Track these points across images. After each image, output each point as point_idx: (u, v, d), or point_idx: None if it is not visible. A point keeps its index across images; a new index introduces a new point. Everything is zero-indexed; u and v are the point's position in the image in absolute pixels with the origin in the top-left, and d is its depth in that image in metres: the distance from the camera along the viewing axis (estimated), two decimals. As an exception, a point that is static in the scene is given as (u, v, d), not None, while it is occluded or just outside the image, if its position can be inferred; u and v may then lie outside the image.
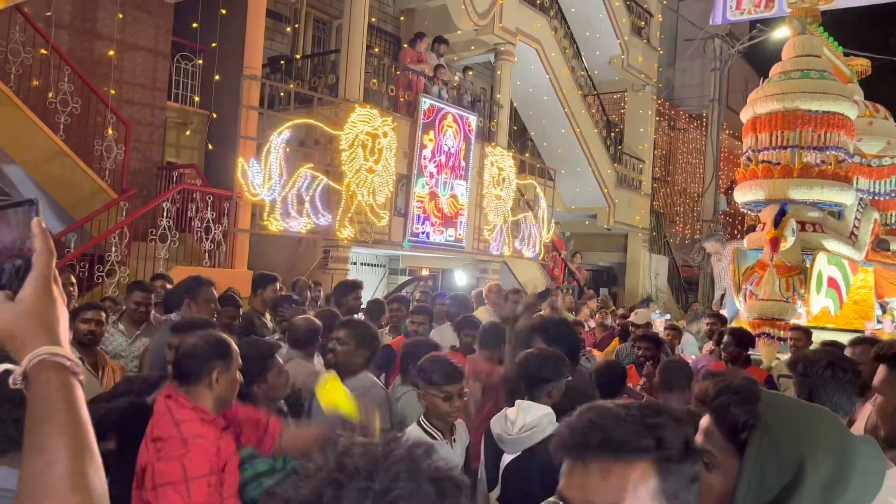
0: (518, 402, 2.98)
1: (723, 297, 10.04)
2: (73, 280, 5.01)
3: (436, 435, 2.95)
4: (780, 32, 15.21)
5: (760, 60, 20.58)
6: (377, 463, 0.77)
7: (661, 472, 1.03)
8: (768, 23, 16.18)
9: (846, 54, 9.62)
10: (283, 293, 5.89)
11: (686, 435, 1.07)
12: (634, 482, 1.02)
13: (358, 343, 3.47)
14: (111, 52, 9.13)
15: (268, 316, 5.59)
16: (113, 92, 8.98)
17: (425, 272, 13.00)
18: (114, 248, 7.63)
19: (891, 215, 9.73)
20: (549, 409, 3.01)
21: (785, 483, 1.26)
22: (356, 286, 6.12)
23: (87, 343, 4.05)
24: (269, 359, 3.04)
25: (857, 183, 8.62)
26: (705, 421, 1.38)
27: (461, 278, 11.76)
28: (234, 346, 2.55)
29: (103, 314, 4.20)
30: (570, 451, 1.06)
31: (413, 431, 2.97)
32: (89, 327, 4.05)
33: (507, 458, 2.91)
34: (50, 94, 8.28)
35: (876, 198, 9.14)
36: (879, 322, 8.50)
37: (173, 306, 4.29)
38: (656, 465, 1.03)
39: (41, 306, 0.94)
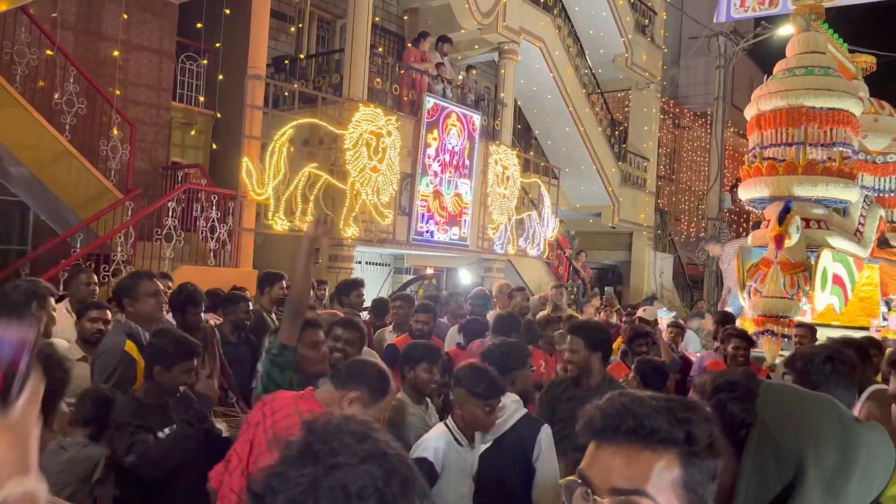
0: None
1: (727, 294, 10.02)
2: (95, 279, 5.04)
3: (462, 440, 2.90)
4: (785, 30, 15.16)
5: (765, 58, 20.51)
6: (315, 436, 0.83)
7: (685, 465, 1.05)
8: (772, 20, 16.13)
9: (851, 51, 9.59)
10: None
11: (712, 433, 1.08)
12: (659, 470, 1.03)
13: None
14: (116, 53, 9.17)
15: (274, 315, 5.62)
16: (118, 92, 9.02)
17: (430, 271, 13.02)
18: (119, 248, 7.67)
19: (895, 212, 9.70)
20: (516, 397, 3.14)
21: (787, 481, 1.24)
22: (357, 284, 6.19)
23: (93, 342, 4.08)
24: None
25: (861, 180, 8.59)
26: None
27: (465, 277, 11.76)
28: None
29: (109, 313, 4.23)
30: (600, 434, 1.07)
31: (439, 433, 2.92)
32: (96, 326, 4.09)
33: (481, 448, 2.98)
34: (55, 95, 8.32)
35: (881, 195, 9.11)
36: (885, 319, 8.48)
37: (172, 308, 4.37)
38: (682, 458, 1.05)
39: (27, 431, 0.88)
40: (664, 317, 8.10)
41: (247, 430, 2.55)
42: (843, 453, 1.26)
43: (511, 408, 3.03)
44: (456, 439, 2.88)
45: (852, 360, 2.54)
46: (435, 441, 2.84)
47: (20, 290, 3.66)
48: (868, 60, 9.65)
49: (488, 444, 2.98)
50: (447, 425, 2.96)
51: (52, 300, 4.17)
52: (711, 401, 1.36)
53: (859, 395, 4.00)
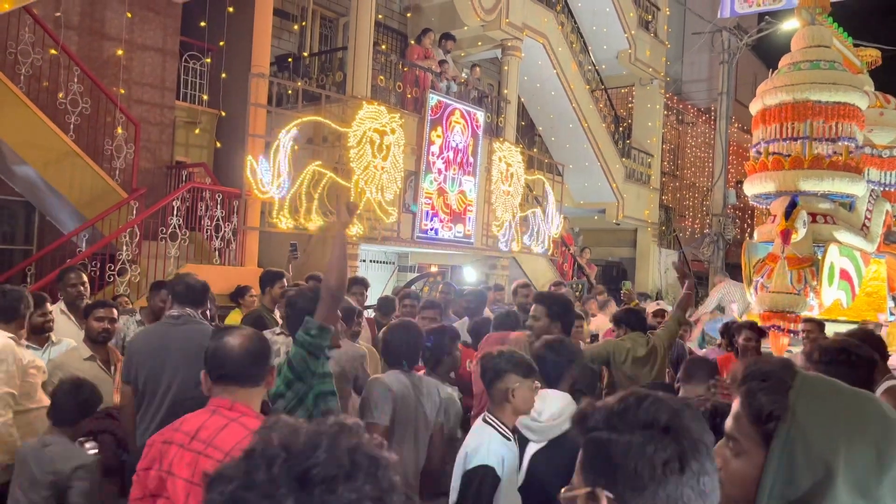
0: (540, 391, 2.92)
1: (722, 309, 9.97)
2: (85, 278, 5.03)
3: (508, 434, 2.78)
4: (789, 24, 15.12)
5: (769, 53, 20.46)
6: (296, 441, 0.82)
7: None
8: (776, 15, 16.07)
9: (856, 45, 9.55)
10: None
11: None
12: None
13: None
14: (120, 52, 9.18)
15: (277, 312, 5.62)
16: (122, 91, 9.03)
17: (434, 268, 13.01)
18: (124, 247, 7.68)
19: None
20: (569, 398, 3.01)
21: (816, 478, 1.21)
22: (358, 282, 6.10)
23: (101, 341, 4.09)
24: None
25: (867, 174, 8.56)
26: (736, 404, 1.34)
27: (470, 274, 11.75)
28: None
29: (115, 311, 4.24)
30: None
31: (495, 436, 2.75)
32: (103, 325, 4.09)
33: (532, 448, 2.86)
34: (60, 95, 8.32)
35: (887, 189, 9.07)
36: (892, 314, 8.45)
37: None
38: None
39: None
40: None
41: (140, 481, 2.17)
42: (879, 453, 1.21)
43: (566, 411, 2.84)
44: (503, 434, 2.77)
45: (870, 355, 2.51)
46: (497, 448, 2.69)
47: (11, 296, 3.69)
48: (873, 54, 9.61)
49: (542, 445, 2.83)
50: (492, 424, 2.79)
51: (48, 304, 4.21)
52: (742, 388, 1.33)
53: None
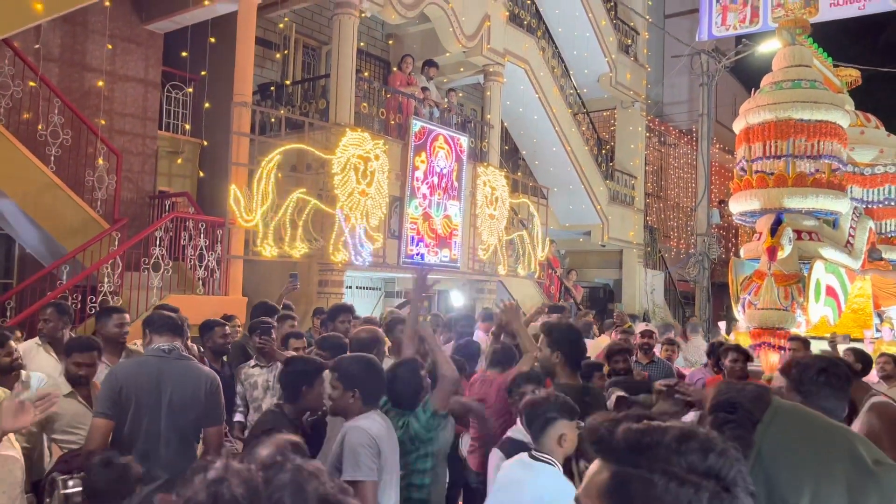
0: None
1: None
2: (69, 312, 4.88)
3: (557, 465, 2.76)
4: (766, 46, 15.37)
5: (747, 75, 20.75)
6: (257, 492, 0.72)
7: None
8: (753, 37, 16.34)
9: (836, 65, 9.69)
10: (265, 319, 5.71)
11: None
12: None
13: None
14: (101, 83, 9.13)
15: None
16: (103, 122, 8.97)
17: (421, 294, 12.93)
18: (106, 279, 7.56)
19: (885, 224, 9.74)
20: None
21: None
22: (344, 310, 5.91)
23: (82, 383, 3.93)
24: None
25: (851, 192, 8.64)
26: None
27: (457, 299, 11.69)
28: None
29: (95, 354, 4.01)
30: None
31: (562, 480, 2.70)
32: (80, 371, 3.90)
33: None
34: (40, 127, 8.25)
35: (870, 206, 9.16)
36: (878, 331, 8.48)
37: None
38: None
39: None
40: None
41: None
42: (852, 497, 1.16)
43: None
44: (548, 462, 2.74)
45: (847, 373, 2.48)
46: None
47: None
48: (853, 74, 9.76)
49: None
50: (551, 464, 2.74)
51: (12, 342, 4.02)
52: (709, 419, 1.28)
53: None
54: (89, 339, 4.16)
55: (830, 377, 2.41)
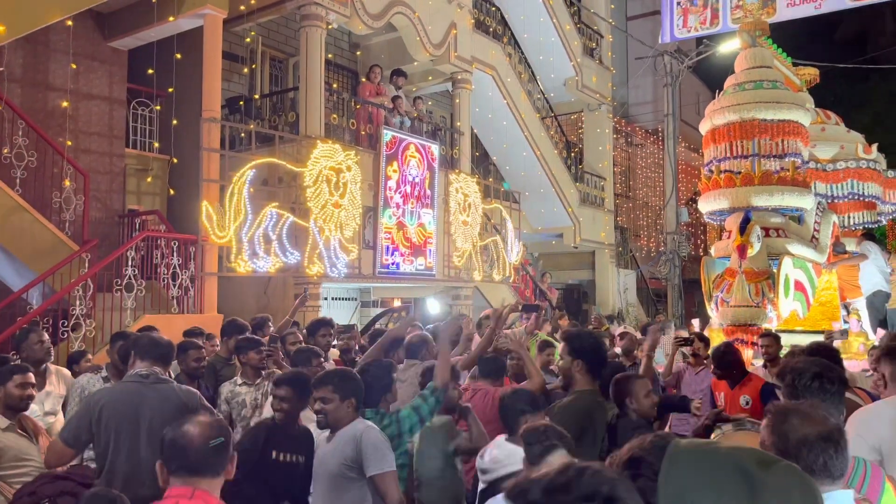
0: (498, 437, 3.21)
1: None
2: (47, 337, 4.79)
3: None
4: (727, 46, 15.66)
5: (709, 74, 21.14)
6: None
7: None
8: (714, 38, 16.65)
9: (795, 64, 9.92)
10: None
11: None
12: None
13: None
14: (65, 103, 9.01)
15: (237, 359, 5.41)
16: (69, 143, 8.85)
17: (397, 303, 12.93)
18: (78, 302, 7.45)
19: (847, 217, 9.98)
20: (517, 449, 3.00)
21: None
22: (324, 324, 5.93)
23: (23, 408, 3.73)
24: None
25: (815, 188, 8.84)
26: None
27: (434, 306, 11.70)
28: None
29: (31, 375, 3.82)
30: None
31: None
32: (24, 392, 3.70)
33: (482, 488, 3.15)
34: (4, 150, 8.12)
35: (833, 201, 9.37)
36: (846, 322, 8.66)
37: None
38: None
39: None
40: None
41: None
42: None
43: (512, 457, 3.05)
44: None
45: (841, 377, 2.55)
46: None
47: None
48: (811, 73, 9.99)
49: (484, 487, 3.15)
50: None
51: None
52: (625, 474, 1.35)
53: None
54: (20, 364, 3.95)
55: (825, 382, 2.48)
